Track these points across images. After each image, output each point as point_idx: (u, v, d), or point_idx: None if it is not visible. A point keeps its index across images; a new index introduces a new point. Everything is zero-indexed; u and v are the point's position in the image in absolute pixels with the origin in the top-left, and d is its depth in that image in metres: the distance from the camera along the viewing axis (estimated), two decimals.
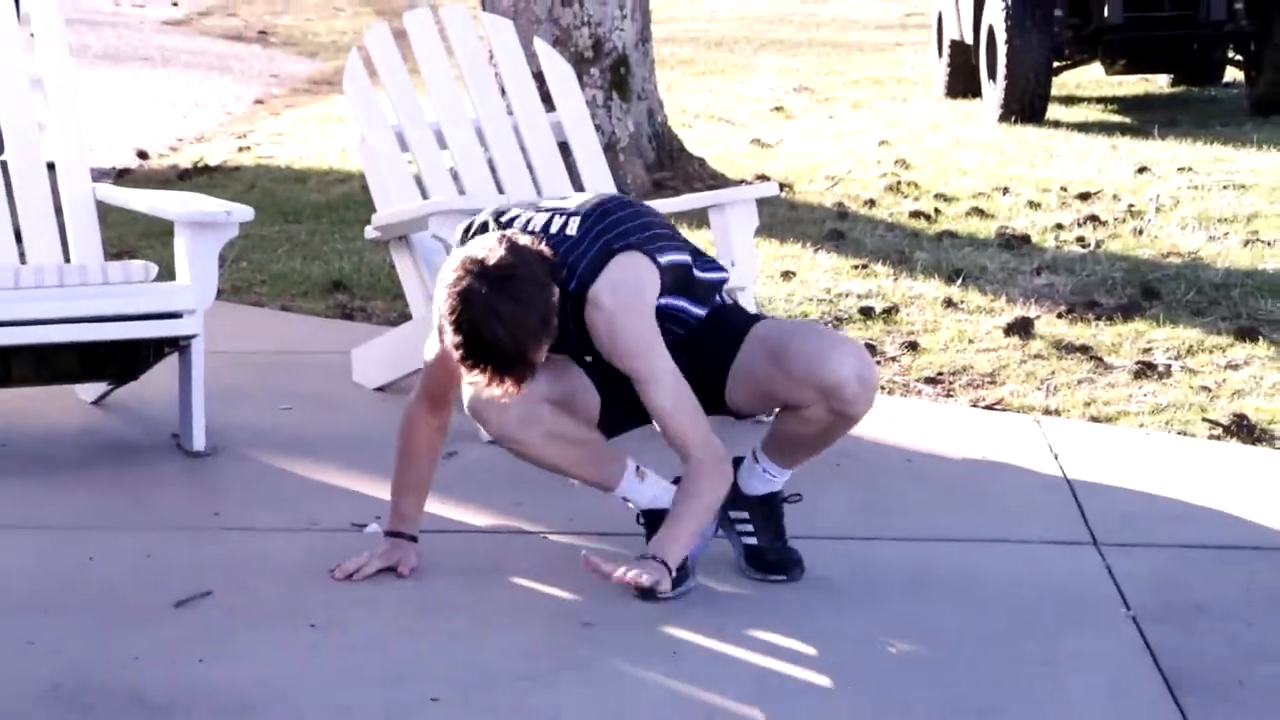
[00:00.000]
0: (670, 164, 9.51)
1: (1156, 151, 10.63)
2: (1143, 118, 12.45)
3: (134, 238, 8.43)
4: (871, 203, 9.28)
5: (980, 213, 8.94)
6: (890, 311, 7.07)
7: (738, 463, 4.44)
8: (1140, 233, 8.43)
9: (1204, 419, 5.79)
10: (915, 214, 8.95)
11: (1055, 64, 12.72)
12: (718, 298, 4.39)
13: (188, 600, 4.28)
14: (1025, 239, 8.34)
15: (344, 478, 5.22)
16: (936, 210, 9.02)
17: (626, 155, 9.15)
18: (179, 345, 5.38)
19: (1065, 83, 13.98)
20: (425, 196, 6.03)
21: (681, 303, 4.28)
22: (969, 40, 13.51)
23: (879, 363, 6.43)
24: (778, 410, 4.37)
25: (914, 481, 5.24)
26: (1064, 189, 9.43)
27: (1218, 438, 5.67)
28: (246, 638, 4.09)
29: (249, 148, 12.03)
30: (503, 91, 6.44)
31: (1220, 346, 6.54)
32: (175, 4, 23.22)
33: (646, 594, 4.19)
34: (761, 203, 6.12)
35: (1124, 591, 4.39)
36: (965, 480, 5.26)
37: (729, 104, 13.87)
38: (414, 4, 16.94)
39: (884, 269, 7.72)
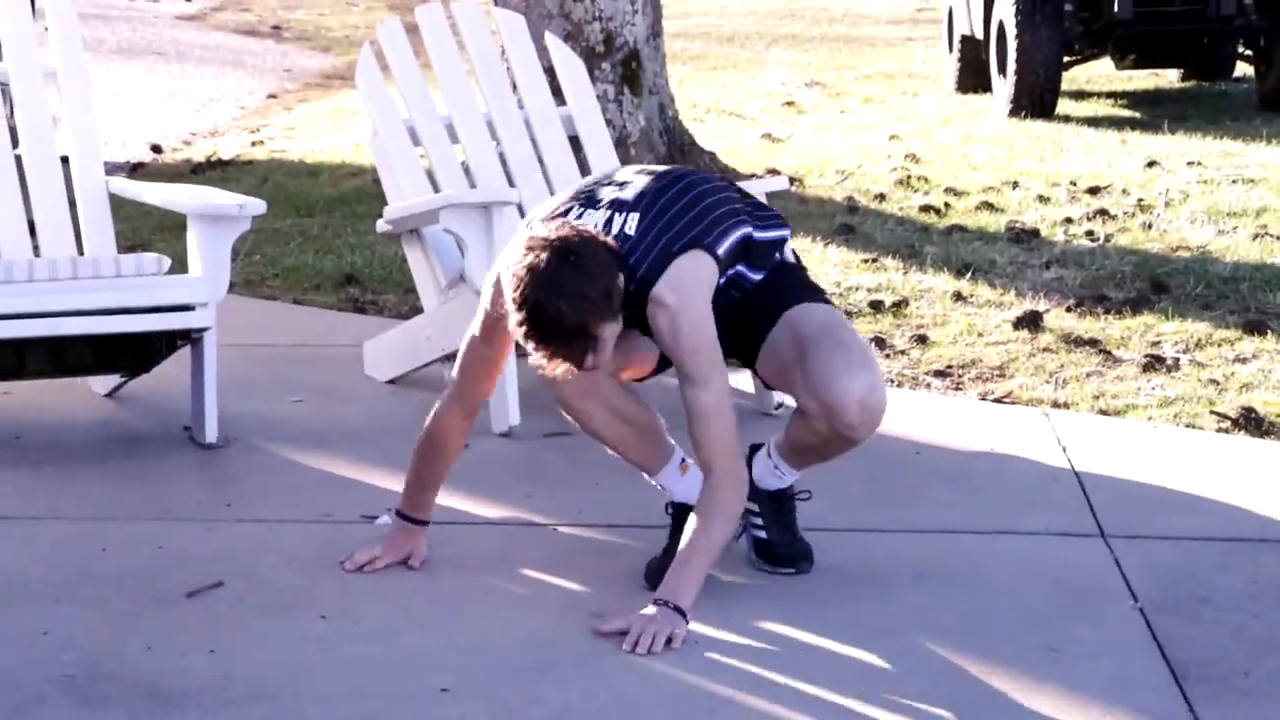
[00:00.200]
0: (681, 158, 9.50)
1: (1166, 146, 10.64)
2: (1152, 112, 12.46)
3: (147, 231, 8.45)
4: (882, 197, 9.29)
5: (990, 207, 8.95)
6: (900, 305, 7.08)
7: (754, 450, 4.45)
8: (1149, 227, 8.44)
9: (1212, 412, 5.80)
10: (925, 208, 8.96)
11: (1065, 59, 12.73)
12: (776, 255, 4.35)
13: (200, 591, 4.30)
14: (1035, 233, 8.34)
15: (355, 470, 5.23)
16: (946, 204, 9.03)
17: (637, 149, 9.16)
18: (191, 338, 5.40)
19: (1075, 78, 13.99)
20: (437, 190, 6.05)
21: (739, 268, 4.26)
22: (979, 35, 13.53)
23: (888, 356, 6.45)
24: (793, 408, 4.36)
25: (923, 473, 5.25)
26: (1074, 183, 9.44)
27: (1226, 431, 5.68)
28: (258, 628, 4.11)
29: (262, 142, 12.06)
30: (514, 86, 6.46)
31: (1229, 340, 6.55)
32: None
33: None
34: (772, 197, 6.14)
35: (1131, 583, 4.40)
36: (974, 472, 5.26)
37: (740, 99, 13.88)
38: None
39: (894, 263, 7.73)
